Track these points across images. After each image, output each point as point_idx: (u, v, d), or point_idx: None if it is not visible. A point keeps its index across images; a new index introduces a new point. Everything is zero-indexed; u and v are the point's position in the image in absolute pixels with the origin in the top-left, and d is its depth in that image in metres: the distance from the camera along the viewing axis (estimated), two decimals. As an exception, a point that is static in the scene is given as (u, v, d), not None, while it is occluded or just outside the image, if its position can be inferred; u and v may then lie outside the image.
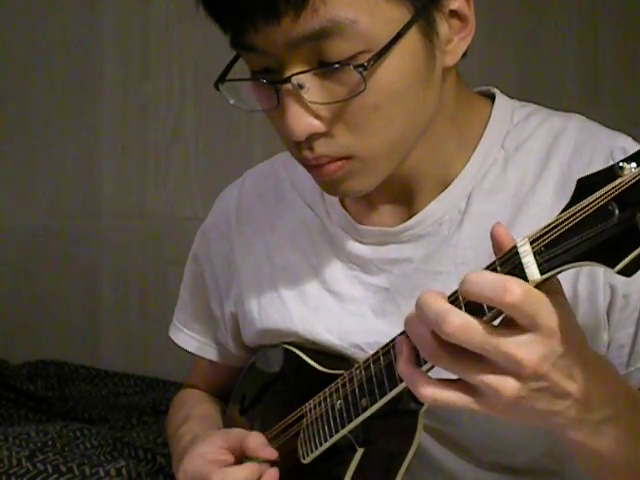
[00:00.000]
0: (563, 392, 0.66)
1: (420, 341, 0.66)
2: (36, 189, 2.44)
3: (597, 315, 0.85)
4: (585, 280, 0.85)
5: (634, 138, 0.89)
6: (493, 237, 0.68)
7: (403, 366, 0.68)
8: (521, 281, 0.62)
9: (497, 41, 2.27)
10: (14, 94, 2.44)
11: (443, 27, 0.81)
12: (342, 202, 0.98)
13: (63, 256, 2.42)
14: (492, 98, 0.94)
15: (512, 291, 0.61)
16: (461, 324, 0.62)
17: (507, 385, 0.63)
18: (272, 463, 0.93)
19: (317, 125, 0.80)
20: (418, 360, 0.69)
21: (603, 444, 0.72)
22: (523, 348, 0.62)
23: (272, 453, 0.93)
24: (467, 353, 0.64)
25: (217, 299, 1.11)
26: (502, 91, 0.95)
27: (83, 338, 2.43)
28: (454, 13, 0.82)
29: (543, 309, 0.62)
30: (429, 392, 0.66)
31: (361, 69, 0.76)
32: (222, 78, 0.84)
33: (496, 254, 0.68)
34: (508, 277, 0.62)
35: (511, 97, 0.95)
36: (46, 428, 1.55)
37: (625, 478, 0.78)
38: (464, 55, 0.85)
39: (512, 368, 0.63)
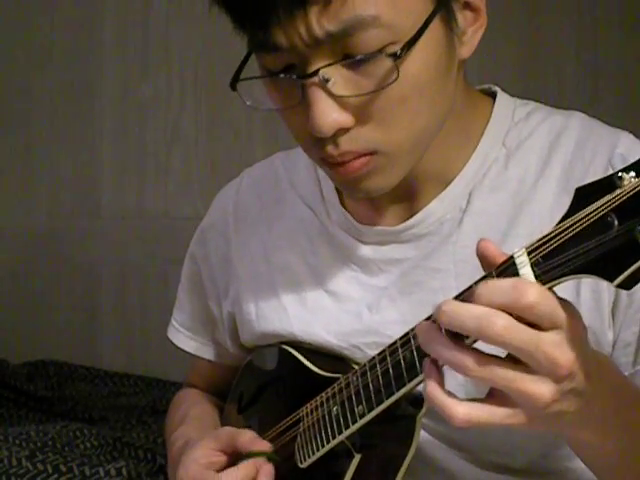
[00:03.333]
0: (584, 390, 0.65)
1: (455, 358, 0.64)
2: (36, 189, 2.45)
3: (602, 315, 0.85)
4: (589, 280, 0.84)
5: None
6: (480, 253, 0.67)
7: (432, 389, 0.66)
8: (533, 282, 0.61)
9: (497, 41, 2.27)
10: (14, 94, 2.44)
11: (459, 18, 0.81)
12: (342, 202, 0.97)
13: (63, 256, 2.42)
14: (493, 96, 0.94)
15: (528, 293, 0.60)
16: (506, 324, 0.61)
17: (543, 390, 0.62)
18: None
19: (344, 119, 0.78)
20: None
21: (611, 443, 0.72)
22: (559, 348, 0.61)
23: (265, 445, 0.92)
24: (502, 363, 0.63)
25: (215, 298, 1.11)
26: (502, 90, 0.95)
27: (83, 338, 2.43)
28: (467, 5, 0.82)
29: (559, 307, 0.62)
30: (462, 413, 0.64)
31: (394, 57, 0.75)
32: (237, 77, 0.83)
33: (485, 269, 0.67)
34: (518, 280, 0.62)
35: (512, 95, 0.95)
36: (46, 428, 1.55)
37: (630, 478, 0.78)
38: None
39: (550, 369, 0.62)
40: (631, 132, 0.89)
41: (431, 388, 0.66)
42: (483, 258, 0.67)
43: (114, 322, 2.43)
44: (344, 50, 0.76)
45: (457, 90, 0.86)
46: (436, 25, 0.78)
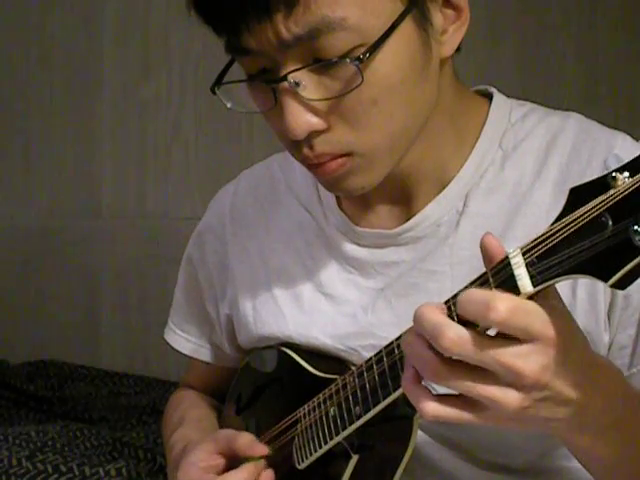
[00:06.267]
0: (566, 400, 0.65)
1: (418, 359, 0.65)
2: (36, 189, 2.45)
3: (597, 317, 0.85)
4: (585, 281, 0.84)
5: (633, 138, 0.88)
6: (483, 247, 0.67)
7: (407, 383, 0.67)
8: (507, 297, 0.61)
9: (497, 41, 2.27)
10: (14, 94, 2.44)
11: (437, 17, 0.81)
12: (339, 204, 0.97)
13: (63, 256, 2.43)
14: (489, 97, 0.93)
15: (496, 309, 0.60)
16: (456, 337, 0.61)
17: (509, 397, 0.63)
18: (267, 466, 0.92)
19: (316, 122, 0.79)
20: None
21: (607, 448, 0.72)
22: (521, 358, 0.62)
23: (262, 449, 0.92)
24: (468, 368, 0.63)
25: (212, 300, 1.11)
26: (502, 91, 0.94)
27: (83, 338, 2.43)
28: (448, 3, 0.81)
29: (536, 320, 0.62)
30: (430, 408, 0.65)
31: (357, 62, 0.75)
32: (218, 82, 0.84)
33: (486, 265, 0.67)
34: (493, 294, 0.62)
35: (510, 97, 0.94)
36: (46, 428, 1.55)
37: (628, 478, 0.78)
38: (459, 49, 0.85)
39: (513, 379, 0.62)
40: (631, 133, 0.89)
41: (406, 382, 0.67)
42: (484, 252, 0.68)
43: (114, 322, 2.43)
44: (314, 54, 0.77)
45: (445, 89, 0.86)
46: (407, 26, 0.78)
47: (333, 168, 0.82)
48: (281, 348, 0.99)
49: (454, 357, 0.63)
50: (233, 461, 0.93)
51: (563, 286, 0.64)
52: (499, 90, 0.95)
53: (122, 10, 2.41)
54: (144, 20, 2.40)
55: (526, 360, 0.62)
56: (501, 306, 0.60)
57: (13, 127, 2.45)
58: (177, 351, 1.18)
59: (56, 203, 2.45)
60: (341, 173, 0.83)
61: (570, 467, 0.91)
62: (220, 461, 0.93)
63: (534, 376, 0.62)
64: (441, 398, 0.66)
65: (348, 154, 0.81)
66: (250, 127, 2.32)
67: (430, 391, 0.66)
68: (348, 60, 0.75)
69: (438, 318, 0.63)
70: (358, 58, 0.75)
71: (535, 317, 0.62)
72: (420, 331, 0.64)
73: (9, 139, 2.45)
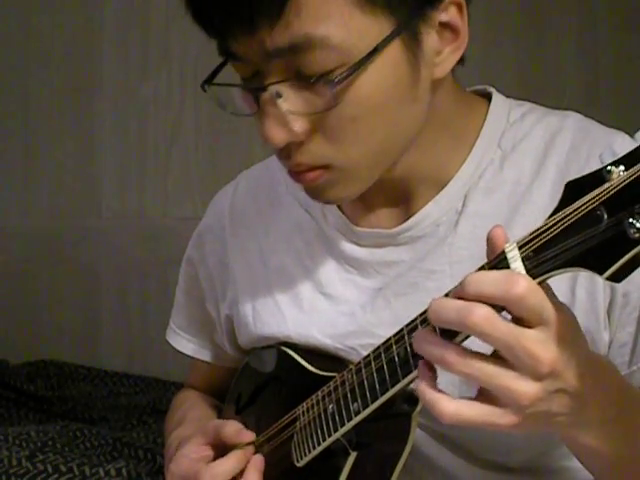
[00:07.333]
0: (574, 392, 0.65)
1: (436, 350, 0.64)
2: (36, 189, 2.45)
3: (597, 315, 0.85)
4: (584, 280, 0.84)
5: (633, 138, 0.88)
6: (489, 239, 0.67)
7: (423, 386, 0.66)
8: (524, 274, 0.62)
9: (497, 42, 2.27)
10: (14, 94, 2.44)
11: (431, 39, 0.80)
12: (338, 204, 0.97)
13: (63, 256, 2.42)
14: (488, 97, 0.93)
15: (519, 283, 0.60)
16: (486, 314, 0.61)
17: (525, 387, 0.62)
18: (266, 464, 0.93)
19: (294, 134, 0.79)
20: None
21: (610, 445, 0.72)
22: (541, 344, 0.62)
23: (248, 436, 0.92)
24: (485, 358, 0.63)
25: (213, 301, 1.11)
26: (501, 91, 0.94)
27: (83, 338, 2.43)
28: (445, 25, 0.80)
29: (548, 302, 0.62)
30: (452, 409, 0.64)
31: (331, 84, 0.75)
32: (208, 81, 0.84)
33: (488, 256, 0.67)
34: (512, 271, 0.62)
35: (509, 97, 0.94)
36: (46, 428, 1.54)
37: (629, 478, 0.78)
38: (462, 62, 0.84)
39: (531, 366, 0.62)
40: (631, 133, 0.88)
41: (422, 385, 0.66)
42: (488, 244, 0.68)
43: (114, 322, 2.43)
44: (297, 68, 0.77)
45: (441, 103, 0.86)
46: (394, 49, 0.77)
47: (311, 178, 0.83)
48: (281, 347, 1.00)
49: (480, 339, 0.62)
50: (224, 451, 0.93)
51: (562, 285, 0.65)
52: (498, 90, 0.95)
53: (122, 10, 2.41)
54: (144, 20, 2.40)
55: (545, 346, 0.62)
56: (523, 281, 0.61)
57: (13, 127, 2.45)
58: (179, 352, 1.18)
59: (56, 203, 2.45)
60: (320, 183, 0.83)
61: (569, 467, 0.92)
62: (211, 452, 0.94)
63: (551, 363, 0.62)
64: (460, 399, 0.65)
65: (326, 166, 0.82)
66: (250, 127, 2.31)
67: (447, 394, 0.65)
68: (322, 82, 0.75)
69: (460, 302, 0.63)
70: (332, 81, 0.75)
71: (548, 301, 0.62)
72: (442, 321, 0.64)
73: (9, 139, 2.45)
